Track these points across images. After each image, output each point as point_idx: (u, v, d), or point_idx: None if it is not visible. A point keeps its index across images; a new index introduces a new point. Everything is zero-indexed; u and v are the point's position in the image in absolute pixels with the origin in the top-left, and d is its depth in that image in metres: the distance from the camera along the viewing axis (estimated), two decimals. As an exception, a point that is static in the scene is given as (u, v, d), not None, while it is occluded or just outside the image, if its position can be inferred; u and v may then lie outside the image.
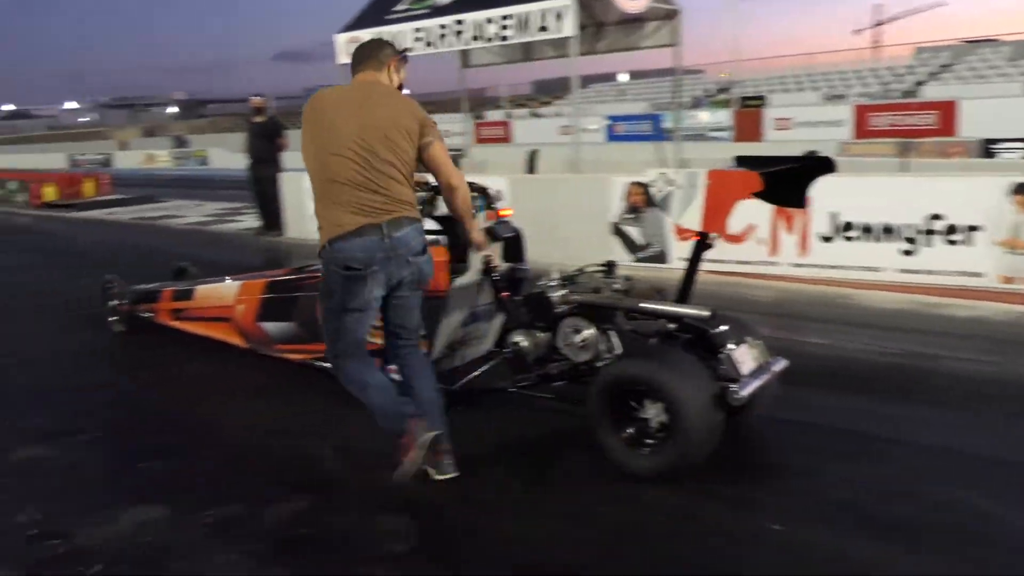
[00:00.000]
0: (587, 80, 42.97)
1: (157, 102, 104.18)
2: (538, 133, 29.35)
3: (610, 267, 3.57)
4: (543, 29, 7.33)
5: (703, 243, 3.31)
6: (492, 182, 8.19)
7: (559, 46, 9.56)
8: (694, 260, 3.35)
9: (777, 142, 22.38)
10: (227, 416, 4.05)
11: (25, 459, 3.57)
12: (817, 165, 3.37)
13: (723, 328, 3.16)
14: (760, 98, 29.62)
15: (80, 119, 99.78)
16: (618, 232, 7.26)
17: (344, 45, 8.91)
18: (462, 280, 3.80)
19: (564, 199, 7.64)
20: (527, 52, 10.17)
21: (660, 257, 7.11)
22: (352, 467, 3.38)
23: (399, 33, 8.32)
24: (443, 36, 8.00)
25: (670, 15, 8.71)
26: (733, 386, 2.99)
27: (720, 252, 6.90)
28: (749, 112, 26.55)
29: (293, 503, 3.02)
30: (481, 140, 29.04)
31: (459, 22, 7.83)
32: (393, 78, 3.16)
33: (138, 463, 3.46)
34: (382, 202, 2.90)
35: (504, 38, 7.64)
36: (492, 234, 3.83)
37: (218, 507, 3.01)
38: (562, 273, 3.65)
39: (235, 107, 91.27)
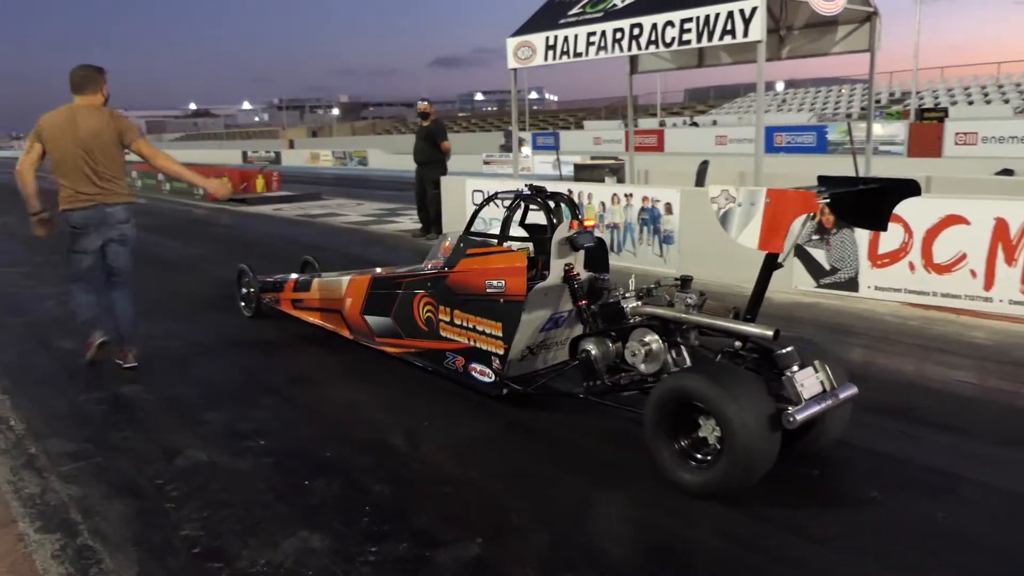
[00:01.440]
0: (745, 88, 41.39)
1: (322, 104, 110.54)
2: (692, 143, 28.38)
3: (685, 281, 3.59)
4: (728, 33, 6.79)
5: (772, 263, 3.22)
6: (661, 195, 7.77)
7: (735, 52, 8.95)
8: (762, 279, 3.28)
9: (959, 158, 20.35)
10: (394, 436, 3.82)
11: (192, 464, 3.50)
12: (901, 187, 3.25)
13: (787, 349, 3.10)
14: (941, 110, 27.21)
15: (255, 119, 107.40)
16: (802, 254, 6.62)
17: (515, 49, 8.70)
18: (542, 285, 3.89)
19: (741, 216, 7.05)
20: (701, 58, 9.62)
21: (849, 284, 6.43)
22: (528, 513, 3.04)
23: (571, 37, 8.03)
24: (617, 40, 7.61)
25: (868, 17, 7.91)
26: (789, 409, 2.94)
27: (924, 283, 6.19)
28: (927, 126, 24.37)
29: (465, 548, 2.74)
30: (635, 149, 28.42)
31: (636, 26, 7.41)
32: (101, 93, 4.59)
33: (305, 480, 3.29)
34: (98, 190, 4.52)
35: (685, 42, 7.15)
36: (573, 243, 3.92)
37: (384, 543, 2.78)
38: (638, 285, 3.70)
39: (393, 110, 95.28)
